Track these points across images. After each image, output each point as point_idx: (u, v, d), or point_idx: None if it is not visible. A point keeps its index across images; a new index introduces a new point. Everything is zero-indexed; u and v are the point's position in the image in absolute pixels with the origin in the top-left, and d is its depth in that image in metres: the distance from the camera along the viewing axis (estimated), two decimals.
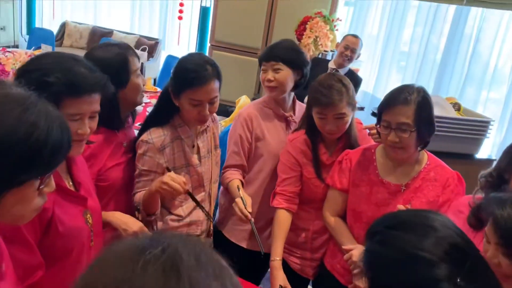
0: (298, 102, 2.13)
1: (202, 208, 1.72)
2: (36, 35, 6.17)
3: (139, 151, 1.70)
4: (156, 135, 1.70)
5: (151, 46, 7.19)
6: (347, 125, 1.79)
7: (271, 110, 2.04)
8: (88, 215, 1.27)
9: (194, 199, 1.68)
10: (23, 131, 0.81)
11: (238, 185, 1.86)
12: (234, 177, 1.94)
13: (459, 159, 2.76)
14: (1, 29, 7.38)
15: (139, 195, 1.69)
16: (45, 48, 4.58)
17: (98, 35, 7.36)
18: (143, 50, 7.11)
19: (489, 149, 3.54)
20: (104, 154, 1.65)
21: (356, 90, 3.79)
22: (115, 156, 1.69)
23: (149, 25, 7.72)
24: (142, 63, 6.48)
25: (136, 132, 1.82)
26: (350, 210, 1.78)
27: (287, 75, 1.94)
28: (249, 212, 1.73)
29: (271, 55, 1.96)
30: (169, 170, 1.64)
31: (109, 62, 1.56)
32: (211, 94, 1.67)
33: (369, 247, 0.94)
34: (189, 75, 1.64)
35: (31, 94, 0.88)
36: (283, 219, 1.85)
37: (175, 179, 1.55)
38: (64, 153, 0.90)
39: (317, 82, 1.78)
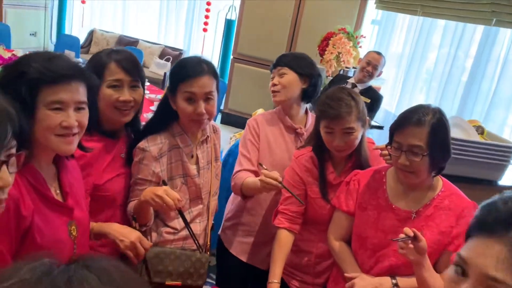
0: (311, 115, 2.06)
1: (189, 229, 1.64)
2: (62, 41, 6.30)
3: (135, 159, 1.64)
4: (153, 143, 1.65)
5: (175, 57, 7.25)
6: (356, 142, 1.70)
7: (280, 120, 1.98)
8: (73, 227, 1.21)
9: (183, 218, 1.61)
10: None
11: (260, 163, 1.78)
12: (249, 176, 1.86)
13: (481, 185, 2.61)
14: (33, 34, 7.59)
15: (131, 204, 1.64)
16: (68, 54, 4.64)
17: (124, 44, 7.48)
18: (167, 60, 7.18)
19: None
20: (100, 164, 1.59)
21: (376, 108, 3.71)
22: (115, 166, 1.64)
23: (175, 36, 7.81)
24: (164, 73, 6.57)
25: None
26: (355, 235, 1.68)
27: (291, 80, 1.92)
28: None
29: (279, 61, 1.97)
30: (165, 184, 1.58)
31: (89, 63, 1.60)
32: (205, 88, 1.62)
33: None
34: (183, 69, 1.64)
35: None
36: (284, 240, 1.76)
37: (169, 194, 1.48)
38: None
39: (325, 95, 1.71)
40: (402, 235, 1.38)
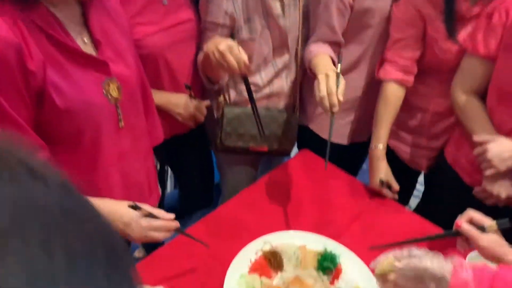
0: None
1: (254, 107, 1.28)
2: None
3: None
4: None
5: None
6: None
7: None
8: (111, 86, 0.93)
9: (248, 90, 1.25)
10: None
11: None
12: (323, 51, 1.33)
13: None
14: None
15: (200, 56, 1.33)
16: None
17: None
18: None
19: None
20: (131, 7, 1.20)
21: None
22: (153, 16, 1.26)
23: None
24: None
25: None
26: (494, 86, 1.22)
27: None
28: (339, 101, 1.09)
29: None
30: (232, 38, 1.24)
31: None
32: None
33: None
34: None
35: None
36: (391, 95, 1.36)
37: (233, 52, 1.11)
38: None
39: None
40: None
